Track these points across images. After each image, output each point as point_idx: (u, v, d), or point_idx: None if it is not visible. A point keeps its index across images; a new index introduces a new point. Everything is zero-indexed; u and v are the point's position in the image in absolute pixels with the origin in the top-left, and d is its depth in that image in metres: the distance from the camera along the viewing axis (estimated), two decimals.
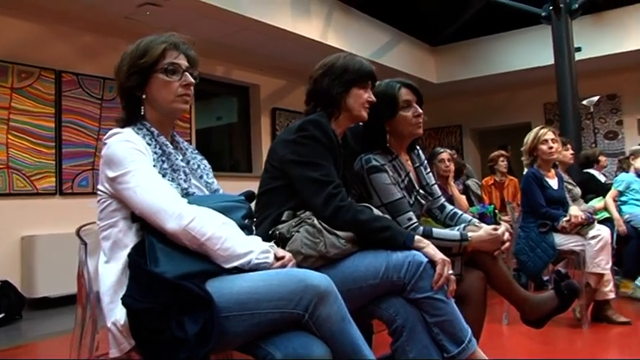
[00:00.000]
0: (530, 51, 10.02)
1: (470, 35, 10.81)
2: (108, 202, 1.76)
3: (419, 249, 2.01)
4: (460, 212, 2.71)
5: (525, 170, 4.44)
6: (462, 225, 2.53)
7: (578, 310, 4.17)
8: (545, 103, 11.49)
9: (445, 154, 5.44)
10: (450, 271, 2.01)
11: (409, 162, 2.66)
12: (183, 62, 1.91)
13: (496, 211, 6.03)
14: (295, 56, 8.18)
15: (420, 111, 2.55)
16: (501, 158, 6.70)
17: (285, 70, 8.96)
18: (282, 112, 9.59)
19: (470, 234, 2.36)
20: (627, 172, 5.82)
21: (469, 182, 6.91)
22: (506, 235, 2.43)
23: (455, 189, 5.48)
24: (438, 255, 2.00)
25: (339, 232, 1.99)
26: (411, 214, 2.41)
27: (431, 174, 2.74)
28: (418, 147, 2.73)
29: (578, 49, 8.89)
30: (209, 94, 9.25)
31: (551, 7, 7.89)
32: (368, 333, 2.73)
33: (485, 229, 2.42)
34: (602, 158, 6.35)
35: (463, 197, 5.56)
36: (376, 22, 9.56)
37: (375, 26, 9.52)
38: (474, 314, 2.36)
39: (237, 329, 1.58)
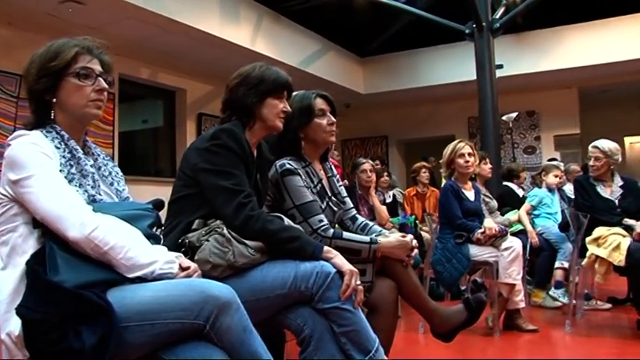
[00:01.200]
0: (454, 66, 10.29)
1: (397, 48, 11.04)
2: (9, 206, 1.69)
3: (327, 259, 2.02)
4: (371, 224, 2.76)
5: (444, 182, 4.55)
6: (374, 233, 2.59)
7: (490, 319, 4.29)
8: (469, 116, 11.82)
9: (367, 164, 5.51)
10: (359, 282, 2.02)
11: (322, 171, 2.71)
12: (96, 67, 1.85)
13: (417, 221, 6.16)
14: (223, 61, 8.08)
15: (334, 120, 2.62)
16: (423, 170, 6.84)
17: (212, 76, 8.85)
18: (208, 118, 9.48)
19: (380, 239, 2.41)
20: (540, 187, 6.04)
21: (395, 192, 7.03)
22: (414, 242, 2.49)
23: (376, 199, 5.54)
24: (346, 265, 2.02)
25: (248, 242, 1.98)
26: (322, 216, 2.45)
27: (342, 187, 2.80)
28: (331, 159, 2.78)
29: (500, 67, 9.21)
30: (134, 96, 9.06)
31: (474, 25, 8.13)
32: (280, 342, 2.73)
33: (394, 236, 2.48)
34: (523, 174, 6.56)
35: (384, 208, 5.63)
36: (306, 31, 9.62)
37: (304, 35, 9.58)
38: (385, 323, 2.40)
39: (137, 340, 1.54)
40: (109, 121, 7.63)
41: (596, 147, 4.58)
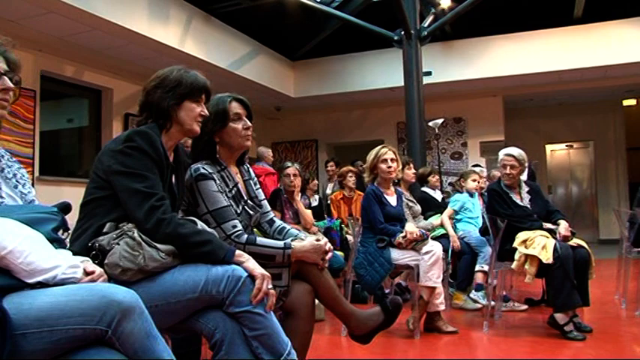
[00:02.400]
0: (384, 72, 10.46)
1: (329, 52, 11.11)
2: None
3: (239, 263, 2.02)
4: (288, 227, 2.77)
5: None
6: (290, 238, 2.59)
7: (411, 322, 4.36)
8: (398, 122, 11.99)
9: (292, 168, 5.52)
10: (270, 286, 2.03)
11: (238, 175, 2.71)
12: (1, 65, 1.79)
13: (343, 225, 6.20)
14: (151, 61, 7.95)
15: (250, 124, 2.63)
16: (350, 174, 6.89)
17: (140, 75, 8.61)
18: (135, 118, 9.20)
19: (294, 243, 2.43)
20: (461, 192, 6.19)
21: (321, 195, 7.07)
22: (329, 246, 2.52)
23: (300, 203, 5.56)
24: (258, 269, 2.02)
25: (159, 246, 1.95)
26: (236, 222, 2.45)
27: (260, 190, 2.80)
28: (248, 164, 2.80)
29: (429, 73, 9.43)
30: (59, 94, 8.78)
31: (402, 32, 8.26)
32: (196, 346, 2.70)
33: (309, 240, 2.49)
34: (431, 178, 6.66)
35: (308, 212, 5.66)
36: (237, 33, 9.56)
37: (235, 37, 9.52)
38: (301, 327, 2.42)
39: (35, 347, 1.49)
40: (30, 119, 7.37)
41: (511, 155, 4.74)
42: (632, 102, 13.24)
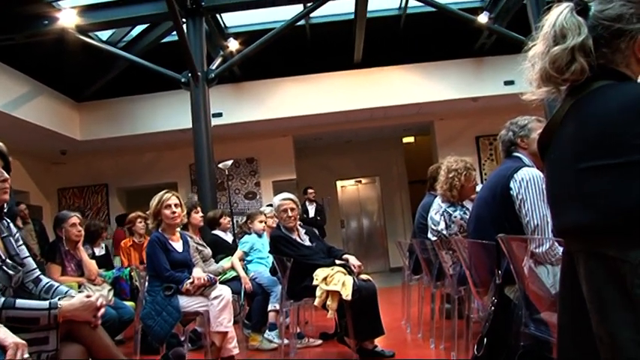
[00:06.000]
0: (174, 113, 10.29)
1: (117, 93, 10.70)
2: None
3: None
4: (57, 285, 2.57)
5: None
6: (58, 297, 2.39)
7: None
8: (190, 164, 11.85)
9: (75, 217, 5.20)
10: (26, 355, 1.85)
11: None
12: None
13: (132, 273, 5.93)
14: None
15: (7, 176, 2.39)
16: (139, 219, 6.64)
17: None
18: None
19: (61, 302, 2.25)
20: (249, 233, 6.24)
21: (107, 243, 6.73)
22: (100, 301, 2.37)
23: (84, 253, 5.25)
24: (10, 338, 1.84)
25: None
26: None
27: (23, 246, 2.55)
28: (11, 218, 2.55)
29: (219, 115, 9.48)
30: None
31: (190, 74, 8.23)
32: None
33: (78, 297, 2.33)
34: (222, 220, 6.64)
35: (93, 262, 5.34)
36: (13, 71, 8.78)
37: (10, 75, 8.71)
38: None
39: None
40: None
41: (289, 199, 4.95)
42: (411, 139, 14.46)
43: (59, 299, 2.32)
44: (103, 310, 2.38)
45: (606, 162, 1.26)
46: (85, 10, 8.22)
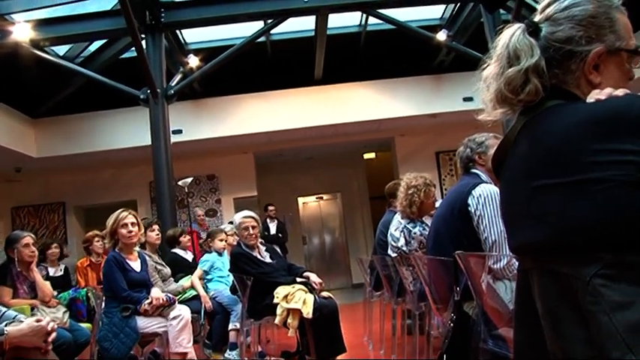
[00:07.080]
0: (133, 130, 10.13)
1: (75, 110, 10.49)
2: None
3: None
4: (4, 310, 2.50)
5: None
6: (5, 322, 2.32)
7: None
8: (150, 181, 11.68)
9: (28, 237, 5.04)
10: None
11: None
12: None
13: (89, 294, 5.80)
14: None
15: None
16: (96, 238, 6.50)
17: None
18: None
19: (8, 328, 2.18)
20: (210, 252, 6.17)
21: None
22: (51, 325, 2.32)
23: (38, 274, 5.10)
24: None
25: None
26: None
27: None
28: None
29: (179, 132, 9.41)
30: None
31: (149, 91, 8.13)
32: None
33: (27, 322, 2.28)
34: (182, 238, 6.52)
35: (47, 283, 5.19)
36: None
37: None
38: None
39: None
40: None
41: (251, 217, 4.95)
42: (372, 155, 14.54)
43: (6, 325, 2.26)
44: (54, 335, 2.32)
45: (559, 180, 1.27)
46: (40, 24, 8.02)
